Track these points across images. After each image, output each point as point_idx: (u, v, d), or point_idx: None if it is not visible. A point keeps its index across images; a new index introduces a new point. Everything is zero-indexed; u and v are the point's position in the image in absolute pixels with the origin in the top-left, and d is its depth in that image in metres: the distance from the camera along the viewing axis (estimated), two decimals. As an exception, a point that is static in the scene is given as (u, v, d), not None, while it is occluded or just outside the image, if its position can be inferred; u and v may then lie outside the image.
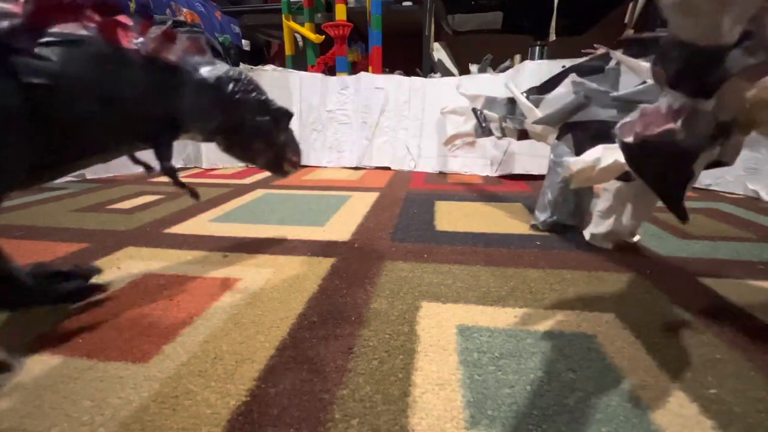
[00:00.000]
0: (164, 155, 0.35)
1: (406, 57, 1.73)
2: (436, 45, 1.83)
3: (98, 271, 0.38)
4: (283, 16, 1.67)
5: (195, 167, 1.14)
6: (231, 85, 0.36)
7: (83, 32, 0.28)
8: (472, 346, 0.29)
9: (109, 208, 0.68)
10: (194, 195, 0.38)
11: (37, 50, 0.26)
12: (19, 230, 0.55)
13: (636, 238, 0.49)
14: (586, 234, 0.51)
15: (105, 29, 0.29)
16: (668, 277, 0.41)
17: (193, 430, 0.21)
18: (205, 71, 0.35)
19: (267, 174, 1.04)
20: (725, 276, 0.41)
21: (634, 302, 0.35)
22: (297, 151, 0.43)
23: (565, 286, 0.38)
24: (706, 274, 0.42)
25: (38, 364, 0.27)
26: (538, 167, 0.99)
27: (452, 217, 0.63)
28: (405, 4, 1.77)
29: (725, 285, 0.39)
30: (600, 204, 0.48)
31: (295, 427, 0.21)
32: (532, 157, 1.00)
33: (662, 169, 0.27)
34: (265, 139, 0.39)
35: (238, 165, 1.15)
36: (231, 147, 0.40)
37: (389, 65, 1.54)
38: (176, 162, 1.15)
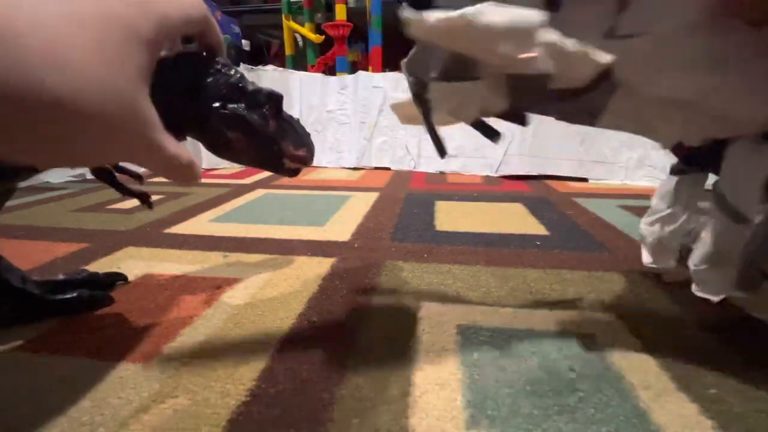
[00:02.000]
0: None
1: (406, 57, 1.72)
2: (436, 45, 1.82)
3: (123, 278, 0.38)
4: (283, 16, 1.67)
5: (195, 167, 1.14)
6: (183, 67, 0.29)
7: None
8: (472, 346, 0.29)
9: (109, 208, 0.68)
10: (145, 202, 0.36)
11: None
12: (19, 230, 0.55)
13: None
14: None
15: None
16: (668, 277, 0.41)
17: (193, 430, 0.21)
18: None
19: (267, 174, 1.04)
20: (725, 276, 0.41)
21: (634, 302, 0.35)
22: (300, 142, 0.35)
23: (565, 286, 0.38)
24: (706, 274, 0.41)
25: (38, 364, 0.27)
26: (539, 167, 1.00)
27: (452, 217, 0.63)
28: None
29: (725, 285, 0.39)
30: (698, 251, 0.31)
31: (295, 427, 0.21)
32: (532, 157, 1.00)
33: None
34: (242, 131, 0.32)
35: (238, 165, 1.15)
36: (209, 145, 0.33)
37: (389, 65, 1.54)
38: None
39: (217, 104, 0.30)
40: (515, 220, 0.62)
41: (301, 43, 1.83)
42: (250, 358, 0.27)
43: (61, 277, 0.35)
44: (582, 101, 0.25)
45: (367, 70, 1.30)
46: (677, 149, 0.32)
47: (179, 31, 0.20)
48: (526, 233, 0.55)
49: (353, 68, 1.61)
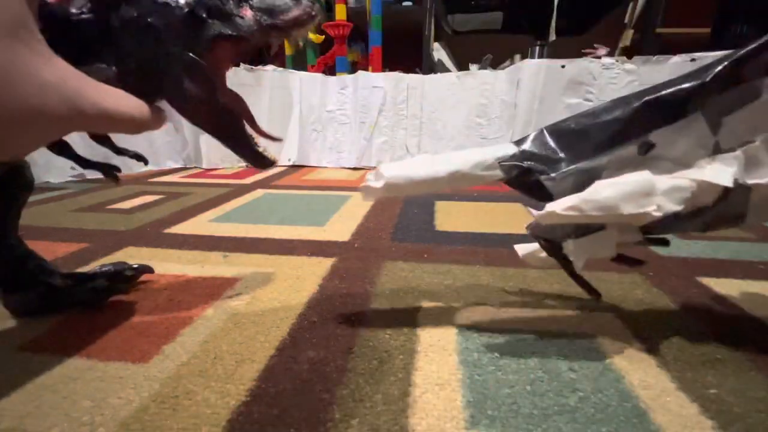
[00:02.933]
0: None
1: (406, 57, 1.73)
2: (436, 45, 1.82)
3: (149, 270, 0.39)
4: (283, 16, 1.67)
5: (195, 167, 1.14)
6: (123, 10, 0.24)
7: None
8: (472, 346, 0.29)
9: (109, 208, 0.68)
10: (109, 175, 0.32)
11: None
12: (19, 230, 0.55)
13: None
14: None
15: None
16: (668, 277, 0.41)
17: (193, 430, 0.21)
18: None
19: (267, 174, 1.05)
20: (725, 276, 0.41)
21: (634, 302, 0.35)
22: (275, 7, 0.26)
23: (565, 286, 0.38)
24: (706, 274, 0.42)
25: (38, 364, 0.27)
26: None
27: (452, 217, 0.63)
28: (405, 4, 1.77)
29: (725, 285, 0.39)
30: None
31: (295, 427, 0.21)
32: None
33: None
34: (189, 77, 0.24)
35: (238, 165, 1.15)
36: (173, 104, 0.26)
37: (389, 65, 1.54)
38: (175, 162, 1.15)
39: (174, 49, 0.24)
40: (515, 220, 0.62)
41: (301, 43, 1.83)
42: (250, 358, 0.27)
43: (97, 269, 0.37)
44: (720, 210, 0.27)
45: (367, 70, 1.30)
46: None
47: None
48: (526, 233, 0.55)
49: (353, 68, 1.62)
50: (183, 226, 0.57)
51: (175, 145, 1.14)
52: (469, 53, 1.71)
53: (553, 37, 1.43)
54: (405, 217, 0.63)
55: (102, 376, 0.25)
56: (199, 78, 0.25)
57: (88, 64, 0.22)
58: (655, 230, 0.29)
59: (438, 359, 0.27)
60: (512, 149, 0.29)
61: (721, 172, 0.26)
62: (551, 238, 0.32)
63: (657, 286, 0.39)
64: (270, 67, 1.17)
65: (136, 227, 0.57)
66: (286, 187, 0.87)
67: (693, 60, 0.93)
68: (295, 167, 1.16)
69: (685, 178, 0.26)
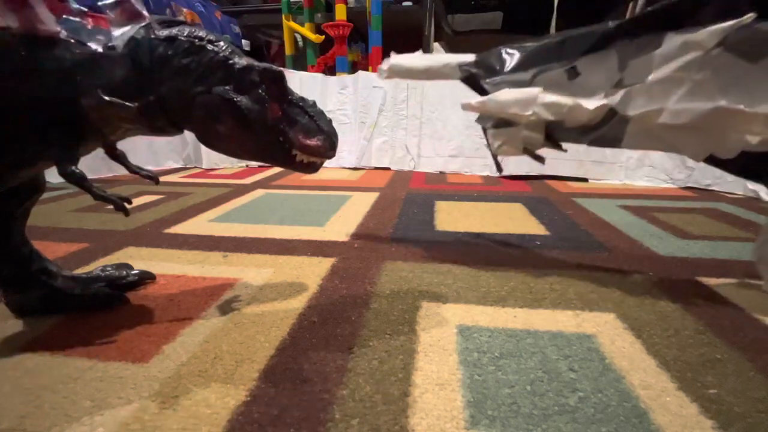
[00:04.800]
0: (60, 155, 0.27)
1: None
2: (436, 45, 1.82)
3: (150, 276, 0.39)
4: (283, 16, 1.67)
5: (195, 167, 1.14)
6: (159, 48, 0.27)
7: None
8: (472, 346, 0.29)
9: (110, 208, 0.68)
10: (122, 209, 0.30)
11: None
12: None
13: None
14: None
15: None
16: (668, 277, 0.41)
17: (193, 430, 0.21)
18: (111, 37, 0.27)
19: (267, 174, 1.05)
20: (725, 276, 0.41)
21: (634, 302, 0.35)
22: (313, 130, 0.29)
23: (565, 286, 0.38)
24: (706, 274, 0.42)
25: (38, 364, 0.27)
26: (538, 167, 0.99)
27: (452, 217, 0.63)
28: (405, 4, 1.77)
29: (725, 285, 0.39)
30: None
31: (295, 427, 0.21)
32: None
33: None
34: (233, 119, 0.27)
35: (238, 165, 1.15)
36: (200, 137, 0.29)
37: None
38: (176, 162, 1.15)
39: (199, 88, 0.26)
40: (515, 220, 0.62)
41: (301, 43, 1.83)
42: (250, 358, 0.27)
43: (97, 271, 0.37)
44: (602, 132, 0.36)
45: (367, 70, 1.30)
46: (710, 161, 0.35)
47: None
48: (526, 233, 0.55)
49: (353, 68, 1.62)
50: (183, 226, 0.57)
51: (175, 146, 1.14)
52: (469, 53, 1.71)
53: (553, 37, 1.43)
54: (405, 217, 0.63)
55: (102, 376, 0.25)
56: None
57: None
58: (553, 136, 0.39)
59: (438, 359, 0.27)
60: (471, 58, 0.41)
61: (592, 101, 0.35)
62: (483, 126, 0.44)
63: (657, 286, 0.38)
64: (270, 67, 1.17)
65: (136, 227, 0.57)
66: (286, 187, 0.87)
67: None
68: (295, 167, 1.16)
69: (566, 98, 0.36)
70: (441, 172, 1.09)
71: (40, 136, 0.27)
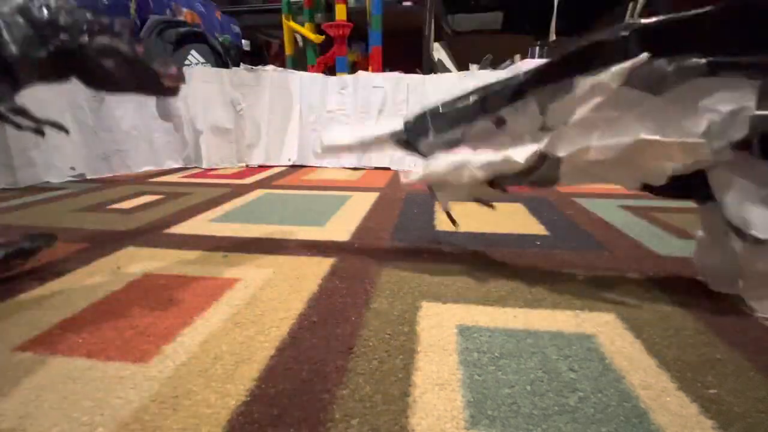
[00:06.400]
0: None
1: (406, 57, 1.73)
2: (436, 45, 1.83)
3: (49, 241, 0.42)
4: (283, 16, 1.67)
5: (195, 167, 1.14)
6: (44, 10, 0.34)
7: None
8: (472, 346, 0.29)
9: (109, 208, 0.68)
10: (61, 128, 0.37)
11: None
12: (20, 230, 0.55)
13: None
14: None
15: None
16: (668, 277, 0.41)
17: (193, 430, 0.21)
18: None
19: (267, 174, 1.05)
20: (725, 276, 0.41)
21: (634, 302, 0.35)
22: (167, 61, 0.40)
23: (565, 286, 0.38)
24: (706, 274, 0.41)
25: (38, 364, 0.27)
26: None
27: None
28: (405, 4, 1.77)
29: (725, 285, 0.39)
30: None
31: (295, 427, 0.21)
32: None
33: None
34: (113, 57, 0.36)
35: (238, 165, 1.15)
36: (89, 79, 0.38)
37: (389, 65, 1.54)
38: (175, 162, 1.15)
39: (86, 39, 0.34)
40: (515, 220, 0.62)
41: (301, 43, 1.83)
42: (250, 358, 0.27)
43: None
44: (539, 174, 0.38)
45: (367, 70, 1.30)
46: (646, 188, 0.37)
47: None
48: (526, 233, 0.55)
49: (353, 68, 1.62)
50: (183, 226, 0.57)
51: (175, 145, 1.14)
52: (469, 53, 1.71)
53: (552, 37, 1.43)
54: (405, 217, 0.63)
55: (102, 376, 0.25)
56: None
57: None
58: (496, 183, 0.41)
59: (438, 359, 0.27)
60: (400, 125, 0.43)
61: (520, 151, 0.37)
62: (429, 187, 0.46)
63: (657, 287, 0.38)
64: (270, 67, 1.17)
65: (136, 227, 0.57)
66: (286, 187, 0.87)
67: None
68: (295, 167, 1.16)
69: (495, 154, 0.38)
70: (441, 172, 1.09)
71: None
